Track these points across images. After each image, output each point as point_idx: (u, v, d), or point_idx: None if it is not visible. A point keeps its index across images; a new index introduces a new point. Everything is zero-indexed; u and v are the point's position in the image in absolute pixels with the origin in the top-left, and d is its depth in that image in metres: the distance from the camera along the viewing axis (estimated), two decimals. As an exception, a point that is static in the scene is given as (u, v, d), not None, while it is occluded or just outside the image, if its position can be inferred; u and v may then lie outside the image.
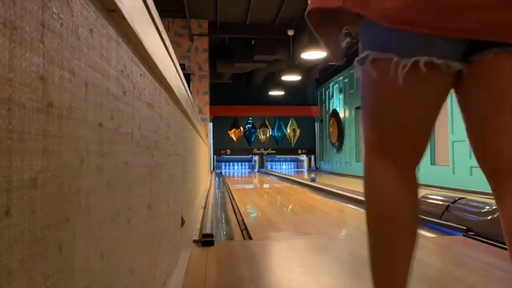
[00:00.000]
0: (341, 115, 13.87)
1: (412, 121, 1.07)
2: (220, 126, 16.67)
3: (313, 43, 8.65)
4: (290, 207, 5.68)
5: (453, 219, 3.24)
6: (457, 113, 7.63)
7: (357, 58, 1.10)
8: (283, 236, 3.43)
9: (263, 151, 17.22)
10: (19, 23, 0.44)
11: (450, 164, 7.31)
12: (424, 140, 1.12)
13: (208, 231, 2.99)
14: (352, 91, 12.67)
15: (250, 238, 3.17)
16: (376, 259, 1.14)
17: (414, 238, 1.12)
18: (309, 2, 1.21)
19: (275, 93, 15.00)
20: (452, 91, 1.08)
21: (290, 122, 17.36)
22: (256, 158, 17.34)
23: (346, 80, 13.21)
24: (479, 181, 6.43)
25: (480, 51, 0.98)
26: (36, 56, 0.48)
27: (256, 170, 16.72)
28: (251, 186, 9.83)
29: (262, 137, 17.25)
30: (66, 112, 0.57)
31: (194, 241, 2.79)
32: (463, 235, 2.98)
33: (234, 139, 17.05)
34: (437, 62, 0.98)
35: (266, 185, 9.83)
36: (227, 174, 14.33)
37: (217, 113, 16.09)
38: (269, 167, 17.59)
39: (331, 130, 14.89)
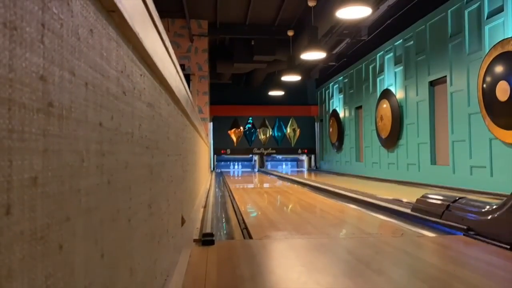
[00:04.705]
0: (341, 115, 13.87)
1: None
2: (220, 126, 16.68)
3: (313, 43, 8.64)
4: (290, 206, 5.68)
5: (453, 218, 3.24)
6: (457, 113, 7.57)
7: None
8: (283, 235, 3.43)
9: (263, 151, 17.22)
10: (20, 24, 0.44)
11: (450, 164, 7.31)
12: None
13: (208, 230, 2.99)
14: (352, 91, 12.65)
15: (250, 237, 3.17)
16: None
17: None
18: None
19: (275, 93, 15.00)
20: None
21: (290, 122, 17.36)
22: (256, 158, 17.36)
23: (346, 80, 13.19)
24: (479, 180, 6.44)
25: None
26: (36, 56, 0.48)
27: (256, 170, 16.73)
28: (251, 186, 9.84)
29: (262, 137, 17.25)
30: (66, 112, 0.57)
31: (195, 240, 2.79)
32: (464, 235, 2.98)
33: (234, 139, 17.05)
34: None
35: (266, 185, 9.83)
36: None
37: (217, 113, 16.11)
38: (269, 167, 17.59)
39: (331, 130, 14.89)
